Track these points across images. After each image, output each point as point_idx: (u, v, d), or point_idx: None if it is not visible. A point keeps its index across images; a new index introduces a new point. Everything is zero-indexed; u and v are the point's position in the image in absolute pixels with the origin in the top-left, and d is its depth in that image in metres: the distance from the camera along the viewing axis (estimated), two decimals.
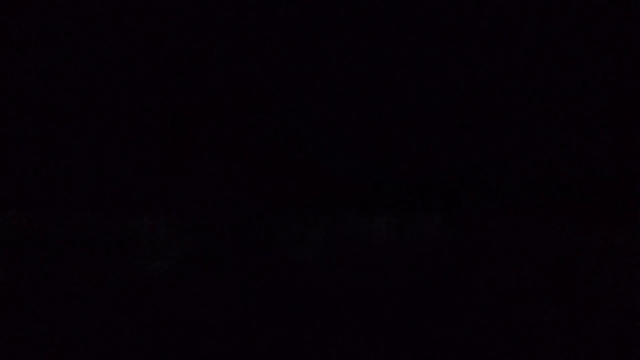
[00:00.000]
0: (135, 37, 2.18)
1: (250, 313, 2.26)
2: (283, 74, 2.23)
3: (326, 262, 2.28)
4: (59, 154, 2.24)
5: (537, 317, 2.24)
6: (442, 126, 2.26)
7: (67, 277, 2.22)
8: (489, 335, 2.25)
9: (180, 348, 2.22)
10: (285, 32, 2.21)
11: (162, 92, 2.22)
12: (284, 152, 2.26)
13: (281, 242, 2.27)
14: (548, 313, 2.24)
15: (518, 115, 2.25)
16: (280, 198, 2.27)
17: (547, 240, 2.27)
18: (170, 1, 2.19)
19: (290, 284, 2.27)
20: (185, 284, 2.24)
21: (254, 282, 2.27)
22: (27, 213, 2.21)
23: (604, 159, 2.25)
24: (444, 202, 2.28)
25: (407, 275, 2.28)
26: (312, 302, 2.27)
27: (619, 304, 2.24)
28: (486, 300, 2.26)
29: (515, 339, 2.25)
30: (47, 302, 2.23)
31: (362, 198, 2.27)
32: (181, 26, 2.20)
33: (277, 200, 2.28)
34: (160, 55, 2.21)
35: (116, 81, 2.21)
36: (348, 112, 2.26)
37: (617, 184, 2.25)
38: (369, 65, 2.24)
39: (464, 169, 2.28)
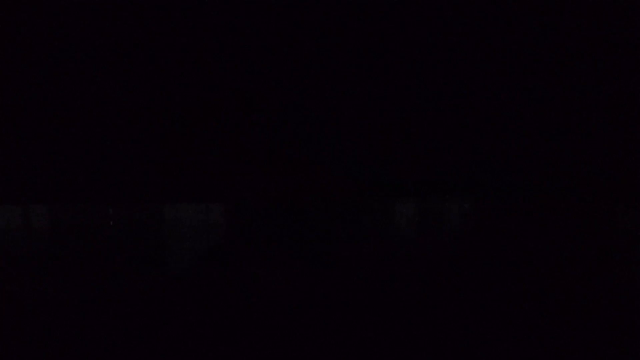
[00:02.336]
0: (153, 26, 2.19)
1: (274, 305, 2.27)
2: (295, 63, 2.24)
3: (353, 252, 2.28)
4: (81, 150, 2.25)
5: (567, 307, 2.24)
6: (466, 114, 2.28)
7: (90, 273, 2.23)
8: (519, 324, 2.26)
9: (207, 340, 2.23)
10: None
11: (177, 91, 2.23)
12: (305, 143, 2.26)
13: (308, 233, 2.28)
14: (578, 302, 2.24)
15: (542, 105, 2.27)
16: (302, 190, 2.28)
17: (574, 225, 2.28)
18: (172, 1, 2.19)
19: (321, 275, 2.28)
20: (205, 281, 2.25)
21: (284, 275, 2.27)
22: (51, 206, 2.22)
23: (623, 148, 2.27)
24: (469, 189, 2.28)
25: (432, 265, 2.28)
26: (341, 292, 2.28)
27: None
28: (512, 290, 2.26)
29: (546, 327, 2.26)
30: (70, 298, 2.24)
31: (386, 186, 2.28)
32: (201, 20, 2.20)
33: (299, 192, 2.28)
34: (172, 52, 2.21)
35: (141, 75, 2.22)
36: (373, 99, 2.27)
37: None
38: (393, 51, 2.25)
39: (489, 158, 2.29)
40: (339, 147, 2.28)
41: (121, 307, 2.29)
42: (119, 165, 2.24)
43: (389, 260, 2.31)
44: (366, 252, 2.31)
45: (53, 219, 2.27)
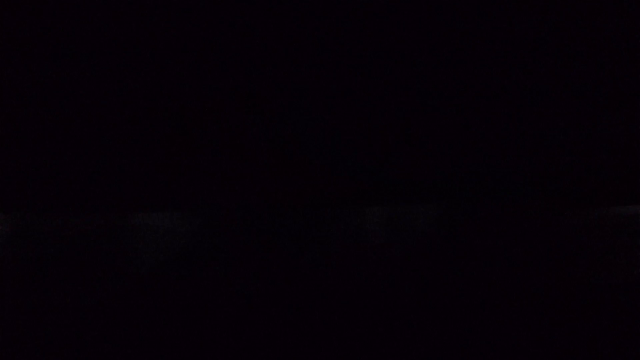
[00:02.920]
0: (133, 31, 2.18)
1: (243, 314, 2.21)
2: (274, 62, 2.23)
3: (320, 259, 2.23)
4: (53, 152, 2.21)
5: (539, 314, 2.19)
6: (438, 116, 2.25)
7: (60, 281, 2.17)
8: (490, 334, 2.20)
9: (175, 347, 2.16)
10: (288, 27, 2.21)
11: (158, 88, 2.21)
12: (272, 144, 2.23)
13: (272, 240, 2.23)
14: (548, 309, 2.20)
15: (511, 105, 2.25)
16: (270, 193, 2.24)
17: (547, 230, 2.24)
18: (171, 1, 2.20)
19: (284, 284, 2.22)
20: (182, 283, 2.20)
21: (246, 283, 2.22)
22: (16, 215, 2.17)
23: (603, 147, 2.25)
24: (439, 193, 2.24)
25: (403, 272, 2.23)
26: (308, 301, 2.22)
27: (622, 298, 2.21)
28: (486, 296, 2.21)
29: (518, 337, 2.20)
30: (41, 305, 2.18)
31: (354, 190, 2.24)
32: (184, 21, 2.19)
33: (267, 195, 2.24)
34: (156, 52, 2.21)
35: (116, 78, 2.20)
36: (340, 101, 2.25)
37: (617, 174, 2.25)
38: (363, 56, 2.25)
39: (460, 159, 2.26)
40: (315, 149, 2.23)
41: (81, 316, 2.21)
42: (89, 171, 2.18)
43: (360, 268, 2.25)
44: (338, 259, 2.25)
45: (15, 227, 2.21)
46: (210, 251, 2.21)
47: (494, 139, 2.23)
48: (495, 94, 2.24)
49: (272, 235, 2.21)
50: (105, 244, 2.18)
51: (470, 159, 2.24)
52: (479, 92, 2.24)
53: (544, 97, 2.22)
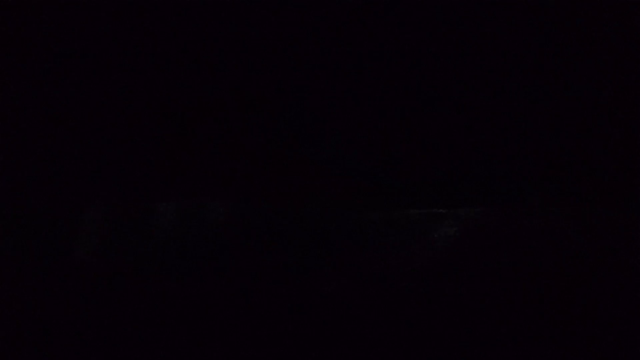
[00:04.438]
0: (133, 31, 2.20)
1: (239, 319, 2.21)
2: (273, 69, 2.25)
3: (323, 265, 2.23)
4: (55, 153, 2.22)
5: (541, 315, 2.19)
6: (442, 119, 2.27)
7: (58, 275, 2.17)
8: (492, 335, 2.21)
9: (172, 344, 2.17)
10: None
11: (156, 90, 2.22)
12: (273, 145, 2.25)
13: (275, 242, 2.23)
14: (562, 314, 2.19)
15: (516, 109, 2.26)
16: (270, 195, 2.25)
17: (548, 231, 2.24)
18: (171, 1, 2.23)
19: (284, 288, 2.22)
20: (179, 282, 2.20)
21: (244, 288, 2.23)
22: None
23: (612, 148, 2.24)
24: (447, 198, 2.25)
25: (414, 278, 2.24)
26: (309, 307, 2.22)
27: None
28: (494, 303, 2.21)
29: (519, 338, 2.20)
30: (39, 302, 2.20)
31: (358, 195, 2.25)
32: (184, 20, 2.21)
33: (267, 197, 2.25)
34: (155, 54, 2.23)
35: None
36: (342, 103, 2.26)
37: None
38: (366, 60, 2.26)
39: (466, 163, 2.27)
40: (331, 149, 2.27)
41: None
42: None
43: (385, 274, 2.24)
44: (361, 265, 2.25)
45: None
46: (206, 257, 2.21)
47: (494, 139, 2.24)
48: (496, 94, 2.25)
49: (271, 236, 2.21)
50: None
51: (471, 161, 2.25)
52: (479, 92, 2.26)
53: (543, 95, 2.23)
